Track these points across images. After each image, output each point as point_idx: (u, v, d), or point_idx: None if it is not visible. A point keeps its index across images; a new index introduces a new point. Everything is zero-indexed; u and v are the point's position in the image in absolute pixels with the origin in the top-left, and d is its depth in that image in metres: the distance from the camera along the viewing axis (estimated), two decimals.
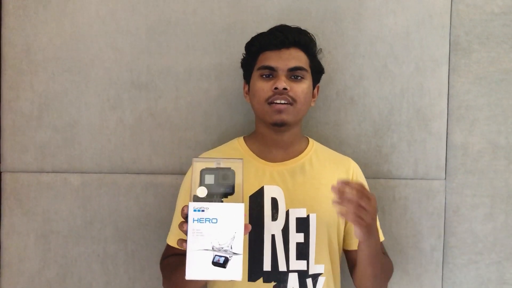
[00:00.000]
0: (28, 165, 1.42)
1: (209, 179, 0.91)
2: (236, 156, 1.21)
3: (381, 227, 1.40)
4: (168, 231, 1.25)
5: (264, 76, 1.18)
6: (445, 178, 1.46)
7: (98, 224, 1.43)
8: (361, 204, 0.97)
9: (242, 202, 0.90)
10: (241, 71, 1.30)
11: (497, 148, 1.46)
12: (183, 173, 1.38)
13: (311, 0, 1.43)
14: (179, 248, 1.19)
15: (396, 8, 1.44)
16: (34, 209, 1.42)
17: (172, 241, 1.21)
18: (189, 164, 1.27)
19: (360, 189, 0.98)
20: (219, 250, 0.88)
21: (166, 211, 1.40)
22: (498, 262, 1.47)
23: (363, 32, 1.44)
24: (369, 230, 1.02)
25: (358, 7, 1.44)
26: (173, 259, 1.18)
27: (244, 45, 1.27)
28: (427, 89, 1.45)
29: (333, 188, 0.97)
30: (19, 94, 1.41)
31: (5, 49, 1.41)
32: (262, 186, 1.17)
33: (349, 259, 1.26)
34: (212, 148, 1.33)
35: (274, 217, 1.16)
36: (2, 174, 1.42)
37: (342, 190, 0.97)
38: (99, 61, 1.42)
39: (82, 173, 1.42)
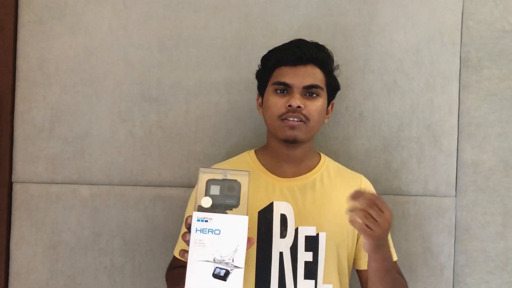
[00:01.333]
0: (39, 176, 1.43)
1: (215, 190, 0.90)
2: (246, 169, 1.20)
3: None
4: (175, 243, 1.25)
5: (278, 91, 1.16)
6: (455, 195, 1.44)
7: (106, 236, 1.43)
8: (370, 214, 0.96)
9: (246, 215, 0.89)
10: (250, 86, 1.31)
11: (508, 166, 1.44)
12: (191, 186, 1.38)
13: (321, 15, 1.45)
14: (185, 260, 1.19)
15: (406, 25, 1.44)
16: (43, 220, 1.43)
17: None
18: (197, 177, 1.27)
19: (371, 198, 0.97)
20: (220, 262, 0.87)
21: (173, 224, 1.40)
22: (511, 282, 1.44)
23: (373, 48, 1.45)
24: (378, 243, 1.01)
25: (368, 23, 1.45)
26: (179, 271, 1.15)
27: (254, 60, 1.28)
28: (437, 105, 1.44)
29: (347, 197, 0.98)
30: (32, 105, 1.43)
31: (19, 61, 1.43)
32: (271, 202, 1.16)
33: (361, 279, 1.23)
34: (222, 161, 1.34)
35: (283, 235, 1.14)
36: (13, 184, 1.43)
37: (355, 198, 0.97)
38: (110, 74, 1.44)
39: (91, 184, 1.43)
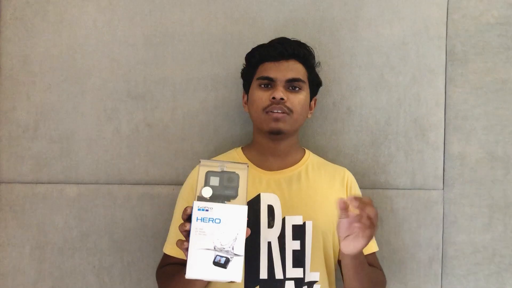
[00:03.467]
0: (24, 176, 1.41)
1: (214, 181, 0.92)
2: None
3: (378, 238, 1.40)
4: (165, 241, 1.24)
5: (262, 86, 1.20)
6: (443, 188, 1.45)
7: (93, 235, 1.41)
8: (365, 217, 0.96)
9: (246, 205, 0.90)
10: (237, 82, 1.31)
11: (494, 158, 1.45)
12: (179, 183, 1.37)
13: (307, 11, 1.44)
14: (176, 256, 1.17)
15: (392, 19, 1.45)
16: (29, 220, 1.41)
17: (169, 250, 1.21)
18: (185, 175, 1.27)
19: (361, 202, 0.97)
20: (220, 251, 0.88)
21: (162, 222, 1.39)
22: (498, 273, 1.45)
23: (359, 42, 1.45)
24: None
25: (354, 18, 1.45)
26: (170, 268, 1.18)
27: (241, 55, 1.28)
28: (424, 99, 1.45)
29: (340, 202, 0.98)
30: (16, 104, 1.41)
31: (2, 60, 1.41)
32: (258, 193, 1.18)
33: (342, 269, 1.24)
34: (210, 158, 1.33)
35: (270, 225, 1.16)
36: None
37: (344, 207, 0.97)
38: (96, 71, 1.42)
39: (78, 184, 1.42)
